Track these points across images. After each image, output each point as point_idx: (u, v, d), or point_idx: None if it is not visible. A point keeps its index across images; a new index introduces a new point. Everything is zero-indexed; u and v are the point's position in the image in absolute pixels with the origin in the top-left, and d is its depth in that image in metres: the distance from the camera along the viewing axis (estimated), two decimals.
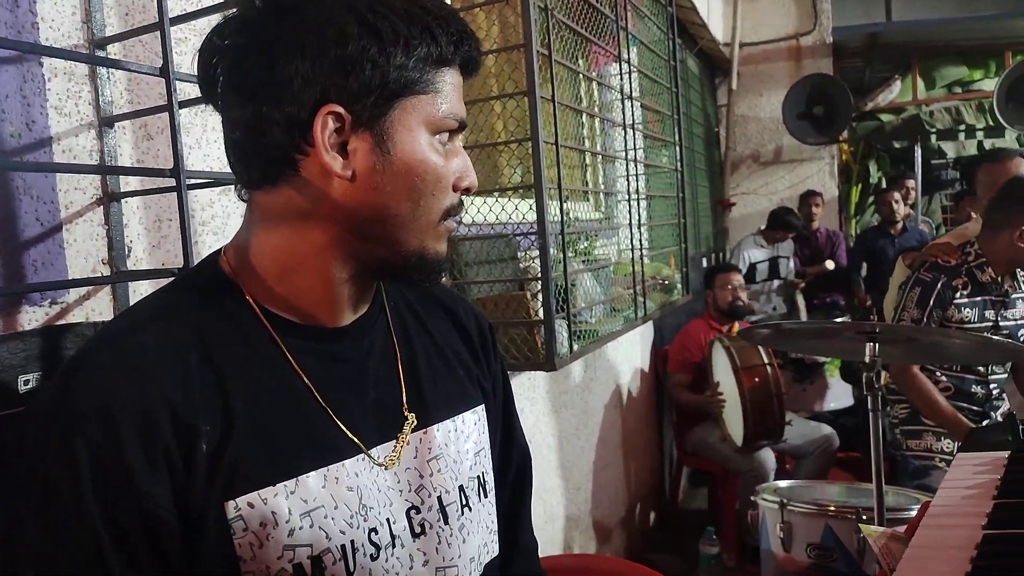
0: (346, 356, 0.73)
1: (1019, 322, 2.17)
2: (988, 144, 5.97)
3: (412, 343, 0.79)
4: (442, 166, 0.69)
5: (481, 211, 1.84)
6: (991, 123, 5.37)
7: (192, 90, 0.95)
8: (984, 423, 2.19)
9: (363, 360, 0.74)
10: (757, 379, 2.88)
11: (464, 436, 0.80)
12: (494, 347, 0.89)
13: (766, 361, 2.92)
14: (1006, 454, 0.94)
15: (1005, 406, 2.24)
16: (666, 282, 2.90)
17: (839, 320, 4.39)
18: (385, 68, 0.64)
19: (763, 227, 4.99)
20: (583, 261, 2.11)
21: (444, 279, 1.78)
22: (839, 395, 4.41)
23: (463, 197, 0.73)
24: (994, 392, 2.19)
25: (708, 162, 5.53)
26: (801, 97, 5.15)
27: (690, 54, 4.95)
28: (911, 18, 7.20)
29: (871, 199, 6.23)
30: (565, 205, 2.23)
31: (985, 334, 2.12)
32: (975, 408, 2.20)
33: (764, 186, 5.85)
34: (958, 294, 2.14)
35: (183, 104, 0.95)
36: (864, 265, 5.14)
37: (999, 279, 2.14)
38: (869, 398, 1.31)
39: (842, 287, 5.27)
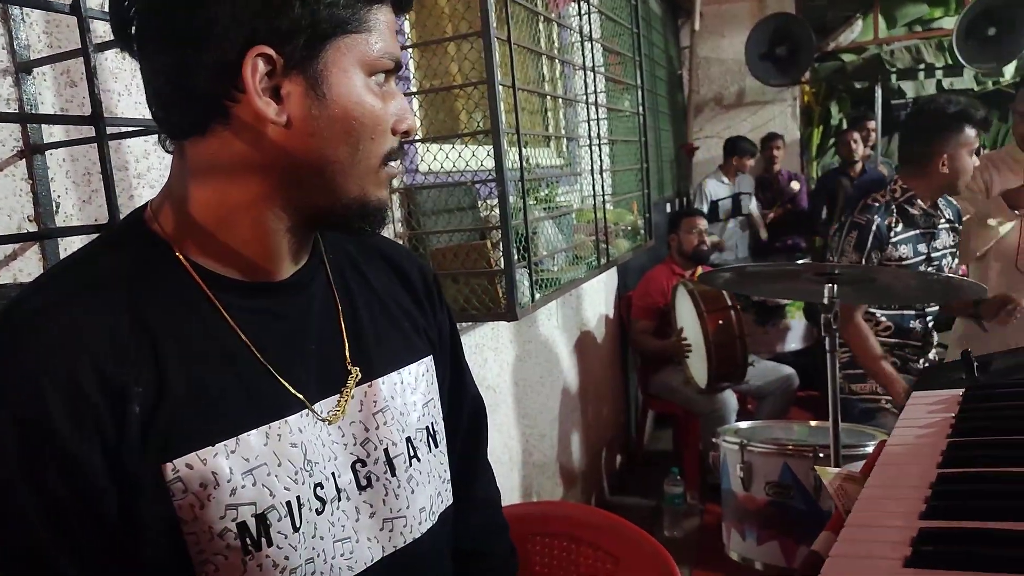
0: (285, 311, 0.71)
1: (943, 252, 2.23)
2: (947, 83, 6.00)
3: (353, 295, 0.77)
4: (380, 108, 0.66)
5: (438, 158, 1.79)
6: (950, 61, 5.38)
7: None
8: (922, 360, 2.26)
9: (303, 314, 0.72)
10: (720, 322, 2.91)
11: (411, 388, 0.79)
12: (439, 296, 0.88)
13: (729, 304, 2.94)
14: (960, 391, 0.95)
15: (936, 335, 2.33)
16: (629, 228, 2.89)
17: (799, 262, 4.45)
18: (315, 6, 0.61)
19: (721, 163, 5.01)
20: (544, 209, 2.08)
21: (402, 228, 1.73)
22: (800, 336, 4.51)
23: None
24: (930, 325, 2.27)
25: (671, 105, 5.47)
26: (764, 37, 5.10)
27: None
28: None
29: (832, 141, 6.25)
30: (525, 151, 2.18)
31: (921, 268, 2.18)
32: (914, 343, 2.27)
33: (727, 129, 5.82)
34: (892, 232, 2.17)
35: (103, 46, 0.88)
36: (824, 207, 5.20)
37: (928, 211, 2.19)
38: (827, 339, 1.32)
39: (803, 229, 5.34)
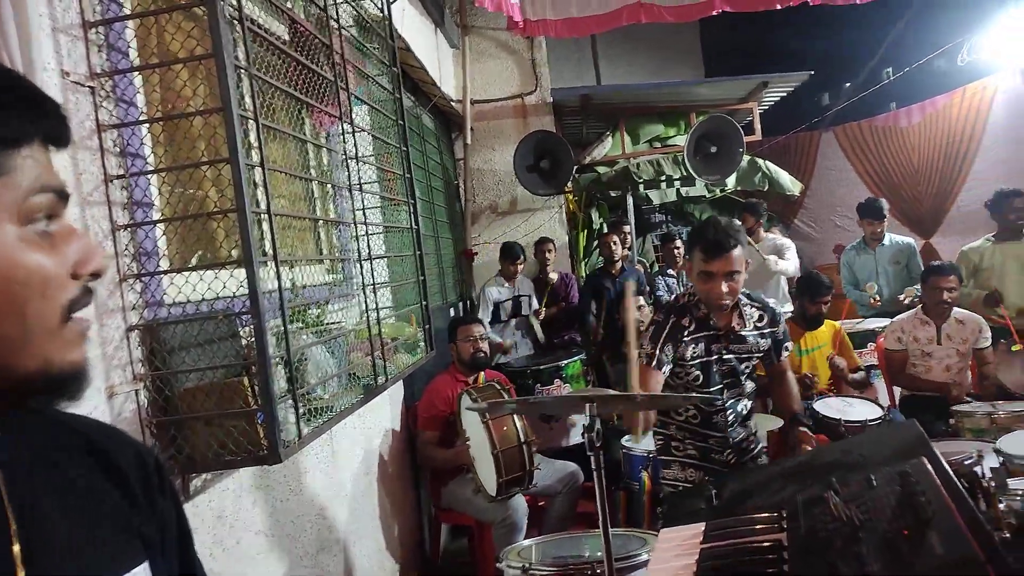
0: None
1: (741, 356, 2.39)
2: (684, 191, 6.92)
3: (38, 500, 0.63)
4: (44, 260, 0.57)
5: (193, 285, 1.64)
6: (685, 173, 6.21)
7: None
8: (727, 453, 2.43)
9: None
10: (505, 428, 2.95)
11: None
12: (162, 483, 0.75)
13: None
14: (702, 527, 1.01)
15: (741, 431, 2.47)
16: (408, 341, 2.87)
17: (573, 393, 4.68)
18: None
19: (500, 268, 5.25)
20: (314, 332, 1.99)
21: (143, 370, 1.54)
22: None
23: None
24: (730, 417, 2.42)
25: (450, 214, 5.68)
26: (529, 152, 5.54)
27: (424, 111, 5.07)
28: (617, 82, 8.18)
29: (595, 243, 6.84)
30: (291, 273, 2.09)
31: (713, 368, 2.35)
32: (718, 435, 2.43)
33: (503, 234, 6.15)
34: (685, 332, 2.34)
35: None
36: (593, 303, 5.61)
37: (710, 314, 2.35)
38: (592, 458, 1.36)
39: (577, 325, 5.70)
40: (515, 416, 2.96)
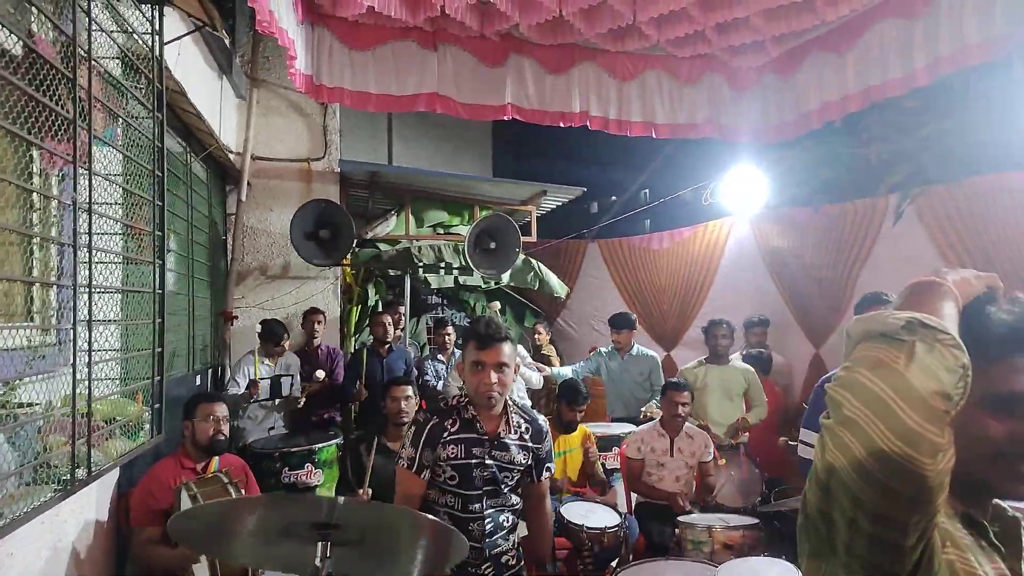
0: None
1: (503, 464, 2.33)
2: (462, 280, 7.05)
3: None
4: None
5: None
6: (463, 263, 6.34)
7: None
8: (485, 567, 2.32)
9: None
10: None
11: None
12: None
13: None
14: None
15: (502, 543, 2.37)
16: (132, 423, 2.47)
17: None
18: None
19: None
20: None
21: None
22: None
23: None
24: (488, 527, 2.32)
25: (212, 271, 5.20)
26: (309, 218, 5.29)
27: (197, 159, 4.66)
28: (409, 163, 8.28)
29: (368, 320, 6.66)
30: None
31: (473, 472, 2.27)
32: (475, 544, 2.30)
33: (271, 300, 5.77)
34: (446, 433, 2.28)
35: None
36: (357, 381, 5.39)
37: (477, 417, 2.31)
38: None
39: (338, 403, 5.42)
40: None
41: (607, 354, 5.52)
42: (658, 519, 3.83)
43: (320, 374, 5.08)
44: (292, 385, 5.02)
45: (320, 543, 1.18)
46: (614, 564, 3.61)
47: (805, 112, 4.76)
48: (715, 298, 7.03)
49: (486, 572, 2.35)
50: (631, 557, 3.73)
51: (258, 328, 4.95)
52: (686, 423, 4.11)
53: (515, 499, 2.43)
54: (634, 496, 4.23)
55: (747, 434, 4.61)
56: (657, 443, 4.07)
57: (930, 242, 4.97)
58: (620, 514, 3.71)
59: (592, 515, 3.61)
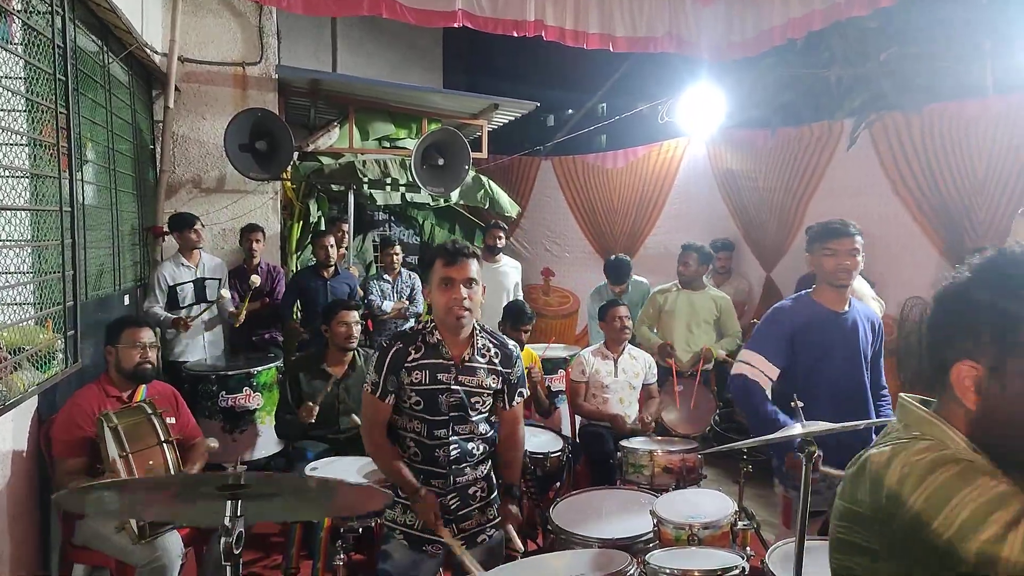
0: None
1: (470, 389, 2.26)
2: (410, 197, 6.81)
3: None
4: None
5: None
6: (411, 180, 6.11)
7: None
8: (451, 497, 2.29)
9: None
10: (151, 461, 2.49)
11: None
12: None
13: (162, 438, 2.54)
14: None
15: (469, 472, 2.32)
16: (42, 352, 2.30)
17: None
18: None
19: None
20: None
21: None
22: (272, 441, 4.33)
23: None
24: (454, 453, 2.27)
25: (139, 184, 4.87)
26: (245, 129, 4.97)
27: (117, 60, 4.26)
28: (354, 72, 7.82)
29: (311, 238, 6.43)
30: None
31: (439, 396, 2.22)
32: (440, 471, 2.28)
33: (205, 215, 5.46)
34: (410, 358, 2.23)
35: None
36: (299, 303, 5.22)
37: (443, 342, 2.24)
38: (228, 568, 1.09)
39: (279, 323, 5.26)
40: (164, 445, 2.51)
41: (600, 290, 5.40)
42: (601, 443, 3.86)
43: (255, 279, 4.87)
44: (220, 290, 4.79)
45: (229, 502, 1.08)
46: (557, 486, 3.65)
47: (768, 29, 4.59)
48: (666, 220, 6.99)
49: (451, 503, 2.30)
50: (573, 481, 3.78)
51: (165, 227, 4.71)
52: (628, 345, 4.10)
53: (485, 428, 2.35)
54: (579, 419, 4.25)
55: (710, 364, 4.55)
56: (601, 365, 4.06)
57: (881, 169, 4.96)
58: (563, 438, 3.73)
59: (535, 440, 3.62)
